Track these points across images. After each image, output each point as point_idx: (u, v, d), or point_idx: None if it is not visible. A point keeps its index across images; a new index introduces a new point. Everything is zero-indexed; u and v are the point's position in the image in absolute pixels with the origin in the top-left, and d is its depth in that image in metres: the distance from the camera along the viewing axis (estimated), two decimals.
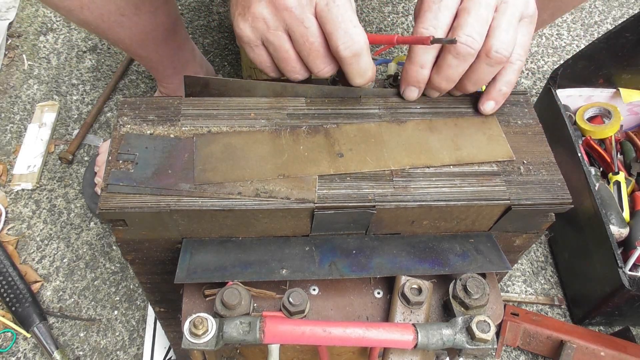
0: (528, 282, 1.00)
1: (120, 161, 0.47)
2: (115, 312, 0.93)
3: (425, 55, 0.49)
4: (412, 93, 0.53)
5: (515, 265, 1.00)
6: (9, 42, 1.28)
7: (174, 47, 0.90)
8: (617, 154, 1.02)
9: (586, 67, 1.01)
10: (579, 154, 0.92)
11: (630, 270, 0.84)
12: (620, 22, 0.99)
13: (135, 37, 0.82)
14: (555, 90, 1.01)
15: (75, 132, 1.13)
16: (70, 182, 1.07)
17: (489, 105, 0.52)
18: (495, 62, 0.48)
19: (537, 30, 1.19)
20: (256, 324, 0.42)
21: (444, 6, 0.48)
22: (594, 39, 1.04)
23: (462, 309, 0.46)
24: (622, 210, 0.95)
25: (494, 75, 0.51)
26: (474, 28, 0.47)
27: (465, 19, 0.47)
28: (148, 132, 0.49)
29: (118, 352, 0.89)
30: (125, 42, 0.83)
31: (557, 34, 1.41)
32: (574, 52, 1.06)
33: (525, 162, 0.51)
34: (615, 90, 1.06)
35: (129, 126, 0.50)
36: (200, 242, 0.49)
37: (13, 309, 0.88)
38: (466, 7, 0.47)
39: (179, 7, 1.37)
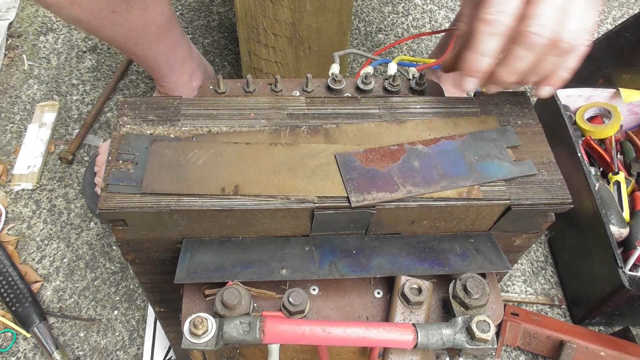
0: (528, 282, 1.00)
1: (120, 161, 0.47)
2: (115, 312, 0.93)
3: (490, 43, 0.45)
4: (471, 84, 0.49)
5: (515, 265, 1.00)
6: (9, 42, 1.28)
7: (169, 45, 0.90)
8: (617, 154, 1.02)
9: (586, 67, 1.01)
10: (579, 154, 0.92)
11: (630, 270, 0.84)
12: (620, 22, 0.99)
13: (129, 34, 0.82)
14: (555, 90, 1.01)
15: (75, 132, 1.13)
16: (70, 182, 1.07)
17: (546, 91, 0.49)
18: (564, 53, 0.45)
19: None
20: (256, 324, 0.42)
21: None
22: (594, 39, 1.04)
23: (462, 308, 0.46)
24: (622, 210, 0.95)
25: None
26: (548, 17, 0.43)
27: (537, 7, 0.43)
28: (148, 132, 0.49)
29: (118, 352, 0.89)
30: (119, 40, 0.83)
31: None
32: None
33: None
34: (615, 90, 1.06)
35: (129, 126, 0.50)
36: (200, 242, 0.49)
37: (13, 309, 0.88)
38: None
39: (179, 7, 1.37)
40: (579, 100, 1.08)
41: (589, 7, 0.45)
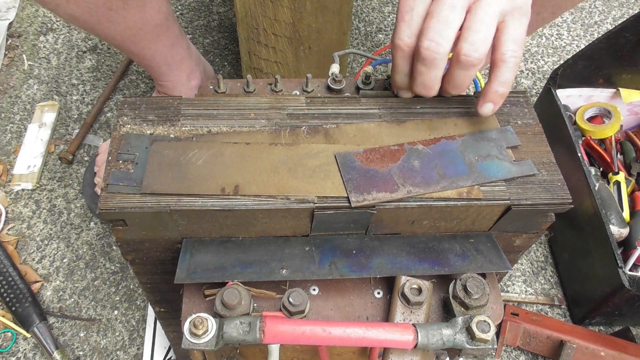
0: (528, 282, 1.00)
1: (120, 161, 0.47)
2: (115, 312, 0.93)
3: (399, 61, 0.50)
4: (405, 95, 0.54)
5: (515, 265, 1.00)
6: (9, 42, 1.28)
7: (167, 44, 0.90)
8: (617, 154, 1.02)
9: (586, 67, 1.01)
10: (579, 154, 0.92)
11: (630, 270, 0.84)
12: (620, 22, 0.99)
13: (126, 32, 0.82)
14: (555, 90, 1.01)
15: (75, 132, 1.13)
16: (70, 182, 1.07)
17: (486, 108, 0.50)
18: (467, 66, 0.47)
19: (538, 29, 1.19)
20: (256, 324, 0.42)
21: (416, 14, 0.47)
22: (594, 39, 1.04)
23: (462, 309, 0.46)
24: (622, 210, 0.95)
25: (490, 76, 0.50)
26: (436, 31, 0.45)
27: (427, 22, 0.46)
28: (148, 132, 0.49)
29: (118, 352, 0.89)
30: (116, 38, 0.83)
31: (557, 34, 1.41)
32: (574, 52, 1.06)
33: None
34: (615, 90, 1.06)
35: (129, 126, 0.50)
36: (200, 242, 0.49)
37: (13, 309, 0.88)
38: (430, 11, 0.46)
39: (179, 7, 1.37)
40: (579, 100, 1.08)
41: (493, 20, 0.46)
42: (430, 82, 0.49)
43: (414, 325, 0.43)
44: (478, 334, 0.42)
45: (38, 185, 1.06)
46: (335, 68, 0.58)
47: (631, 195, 0.98)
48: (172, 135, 0.49)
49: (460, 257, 0.49)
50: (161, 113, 0.51)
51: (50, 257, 0.98)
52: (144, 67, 0.98)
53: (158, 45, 0.89)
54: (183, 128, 0.50)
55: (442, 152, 0.50)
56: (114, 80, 1.20)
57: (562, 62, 1.10)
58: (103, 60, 1.26)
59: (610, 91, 1.07)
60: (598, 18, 1.46)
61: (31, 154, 1.09)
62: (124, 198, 0.45)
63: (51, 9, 0.76)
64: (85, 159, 1.10)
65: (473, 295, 0.45)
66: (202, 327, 0.41)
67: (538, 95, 1.18)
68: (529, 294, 0.99)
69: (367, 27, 1.37)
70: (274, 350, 0.44)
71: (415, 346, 0.42)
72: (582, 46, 1.36)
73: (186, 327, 0.41)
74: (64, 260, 0.97)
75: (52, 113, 1.15)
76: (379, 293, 0.49)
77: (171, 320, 0.66)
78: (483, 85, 0.53)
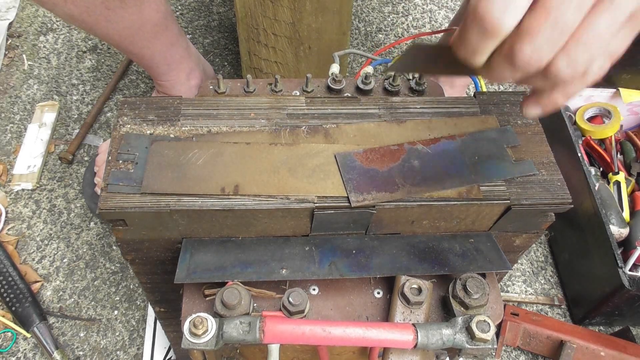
0: (528, 282, 1.00)
1: (120, 161, 0.47)
2: (115, 312, 0.93)
3: (483, 43, 0.35)
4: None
5: (515, 265, 1.00)
6: (9, 42, 1.28)
7: (166, 44, 0.90)
8: (617, 154, 1.02)
9: None
10: (579, 154, 0.92)
11: (630, 270, 0.84)
12: None
13: (124, 32, 0.82)
14: None
15: (75, 132, 1.13)
16: (70, 182, 1.07)
17: (534, 111, 0.40)
18: (551, 80, 0.36)
19: None
20: (256, 323, 0.42)
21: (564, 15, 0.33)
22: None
23: (462, 308, 0.46)
24: (622, 210, 0.95)
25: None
26: (547, 39, 0.33)
27: (539, 21, 0.33)
28: (148, 132, 0.49)
29: (118, 352, 0.89)
30: (115, 37, 0.83)
31: None
32: None
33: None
34: (615, 90, 1.06)
35: (129, 126, 0.50)
36: (200, 242, 0.49)
37: (13, 309, 0.88)
38: (547, 3, 0.32)
39: (179, 7, 1.37)
40: (579, 100, 1.08)
41: (613, 32, 0.34)
42: (508, 80, 0.38)
43: (413, 325, 0.43)
44: (478, 333, 0.42)
45: (38, 185, 1.06)
46: (335, 68, 0.58)
47: (631, 195, 0.98)
48: (172, 135, 0.49)
49: (460, 257, 0.49)
50: (161, 113, 0.51)
51: (50, 257, 0.98)
52: (143, 67, 0.98)
53: (157, 45, 0.89)
54: (183, 128, 0.50)
55: (442, 152, 0.50)
56: (114, 80, 1.20)
57: None
58: (103, 60, 1.26)
59: (610, 91, 1.07)
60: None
61: (31, 154, 1.09)
62: (124, 198, 0.45)
63: (49, 9, 0.76)
64: (85, 159, 1.10)
65: (473, 295, 0.45)
66: (202, 327, 0.41)
67: None
68: (529, 294, 0.99)
69: (367, 27, 1.37)
70: (274, 350, 0.44)
71: (415, 346, 0.42)
72: None
73: (186, 327, 0.41)
74: (64, 260, 0.97)
75: (52, 113, 1.15)
76: (378, 293, 0.49)
77: (171, 320, 0.66)
78: (483, 85, 0.53)
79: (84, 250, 0.99)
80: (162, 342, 0.88)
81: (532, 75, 0.36)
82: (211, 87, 0.56)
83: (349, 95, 0.56)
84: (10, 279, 0.90)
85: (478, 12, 0.33)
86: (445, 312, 0.48)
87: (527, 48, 0.33)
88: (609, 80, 1.05)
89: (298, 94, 0.56)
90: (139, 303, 0.94)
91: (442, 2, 1.43)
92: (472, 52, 0.36)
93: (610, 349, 0.85)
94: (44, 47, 1.28)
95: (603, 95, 1.07)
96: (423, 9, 1.42)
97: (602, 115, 1.08)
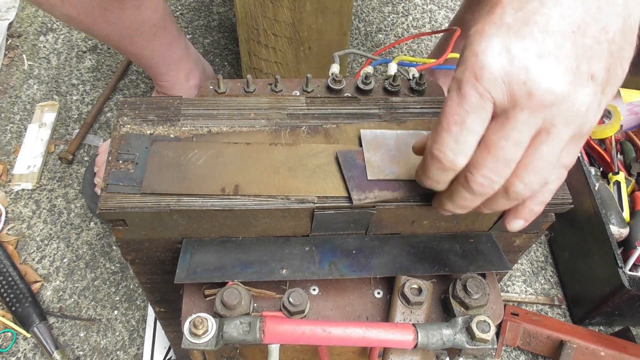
0: (528, 282, 1.00)
1: (120, 161, 0.47)
2: (115, 312, 0.93)
3: (435, 173, 0.40)
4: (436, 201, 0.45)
5: (515, 265, 1.00)
6: (9, 42, 1.28)
7: (165, 44, 0.90)
8: (617, 154, 1.02)
9: None
10: (579, 154, 0.92)
11: (630, 270, 0.84)
12: None
13: (122, 32, 0.82)
14: None
15: (75, 132, 1.13)
16: (70, 182, 1.07)
17: (516, 224, 0.43)
18: (514, 200, 0.40)
19: None
20: (256, 324, 0.42)
21: (467, 131, 0.37)
22: None
23: (462, 308, 0.46)
24: (622, 210, 0.95)
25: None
26: (494, 171, 0.37)
27: (484, 156, 0.37)
28: (148, 132, 0.49)
29: (118, 352, 0.89)
30: (113, 38, 0.83)
31: None
32: None
33: None
34: None
35: (129, 126, 0.50)
36: (200, 242, 0.49)
37: (13, 309, 0.88)
38: (489, 142, 0.37)
39: (179, 7, 1.37)
40: None
41: (556, 157, 0.38)
42: (471, 207, 0.42)
43: (414, 325, 0.43)
44: (478, 334, 0.42)
45: (38, 185, 1.06)
46: (335, 68, 0.58)
47: (631, 195, 0.98)
48: (172, 135, 0.49)
49: (460, 257, 0.49)
50: (161, 113, 0.51)
51: (50, 257, 0.98)
52: (142, 67, 0.98)
53: (155, 45, 0.89)
54: (183, 128, 0.50)
55: None
56: (114, 80, 1.20)
57: None
58: (103, 60, 1.26)
59: None
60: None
61: (31, 154, 1.09)
62: (124, 198, 0.45)
63: (46, 10, 0.76)
64: (85, 159, 1.10)
65: (473, 295, 0.45)
66: (202, 327, 0.41)
67: None
68: (529, 294, 0.99)
69: (367, 27, 1.37)
70: (274, 350, 0.44)
71: (415, 346, 0.42)
72: None
73: (186, 327, 0.41)
74: (64, 260, 0.97)
75: (52, 113, 1.15)
76: (379, 293, 0.49)
77: (171, 320, 0.66)
78: None
79: (84, 250, 0.99)
80: (162, 342, 0.88)
81: (495, 199, 0.40)
82: (211, 87, 0.56)
83: (349, 95, 0.56)
84: (10, 279, 0.90)
85: (434, 154, 0.39)
86: (445, 312, 0.48)
87: (478, 177, 0.38)
88: None
89: (298, 94, 0.56)
90: (139, 303, 0.94)
91: (442, 2, 1.43)
92: (435, 182, 0.41)
93: (610, 349, 0.85)
94: (44, 47, 1.28)
95: None
96: (423, 9, 1.42)
97: (602, 115, 1.07)
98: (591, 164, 1.03)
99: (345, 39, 0.99)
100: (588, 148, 1.05)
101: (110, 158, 0.47)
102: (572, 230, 0.96)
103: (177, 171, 0.46)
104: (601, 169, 1.03)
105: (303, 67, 1.04)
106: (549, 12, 0.35)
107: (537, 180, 0.38)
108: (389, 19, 1.39)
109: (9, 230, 1.00)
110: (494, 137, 0.37)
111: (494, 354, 0.89)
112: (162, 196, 0.45)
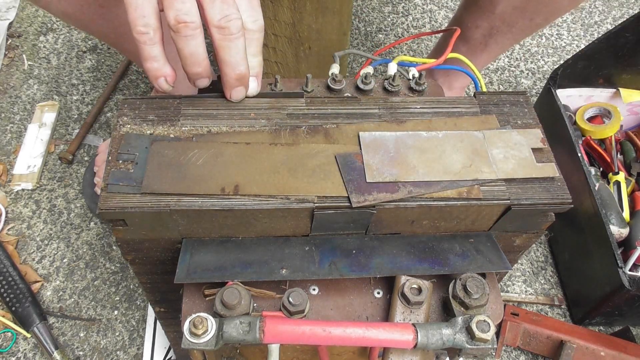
0: (528, 282, 1.00)
1: (120, 161, 0.47)
2: (115, 312, 0.93)
3: (149, 49, 0.51)
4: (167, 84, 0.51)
5: (515, 265, 1.00)
6: (9, 42, 1.28)
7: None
8: (617, 154, 1.02)
9: (586, 67, 1.01)
10: (579, 154, 0.92)
11: (630, 270, 0.84)
12: (620, 22, 0.99)
13: (119, 29, 0.82)
14: (555, 90, 1.01)
15: (75, 132, 1.13)
16: (70, 182, 1.07)
17: (235, 94, 0.50)
18: (224, 28, 0.48)
19: (532, 34, 1.19)
20: (256, 323, 0.42)
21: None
22: (594, 39, 1.04)
23: (462, 308, 0.46)
24: (622, 210, 0.95)
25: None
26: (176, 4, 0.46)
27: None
28: (148, 132, 0.49)
29: (118, 352, 0.89)
30: (110, 35, 0.83)
31: (557, 34, 1.41)
32: (574, 52, 1.06)
33: None
34: (615, 90, 1.06)
35: (129, 126, 0.50)
36: (200, 242, 0.49)
37: (13, 309, 0.88)
38: None
39: None
40: (579, 100, 1.08)
41: None
42: (196, 52, 0.49)
43: (413, 325, 0.43)
44: (478, 333, 0.42)
45: (38, 185, 1.06)
46: (335, 68, 0.58)
47: (631, 195, 0.98)
48: (172, 135, 0.49)
49: (460, 257, 0.49)
50: (161, 113, 0.51)
51: (50, 257, 0.98)
52: (140, 65, 0.97)
53: None
54: (183, 128, 0.50)
55: None
56: (114, 80, 1.20)
57: (562, 62, 1.10)
58: (103, 60, 1.26)
59: (610, 91, 1.07)
60: (598, 18, 1.46)
61: (31, 154, 1.09)
62: (124, 198, 0.45)
63: (43, 7, 0.76)
64: (85, 159, 1.10)
65: (473, 295, 0.45)
66: (202, 327, 0.41)
67: (538, 95, 1.18)
68: (529, 294, 0.99)
69: (367, 27, 1.37)
70: (274, 350, 0.44)
71: (415, 346, 0.42)
72: (582, 46, 1.36)
73: (186, 327, 0.41)
74: (64, 260, 0.97)
75: (52, 113, 1.15)
76: (378, 293, 0.49)
77: (171, 320, 0.66)
78: (483, 85, 0.53)
79: (84, 250, 0.99)
80: (162, 342, 0.88)
81: (216, 40, 0.50)
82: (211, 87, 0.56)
83: (349, 95, 0.56)
84: (10, 279, 0.90)
85: (135, 37, 0.49)
86: (445, 312, 0.48)
87: (171, 20, 0.48)
88: (609, 80, 1.05)
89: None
90: (139, 303, 0.94)
91: (442, 2, 1.43)
92: (152, 59, 0.51)
93: (610, 349, 0.85)
94: (44, 47, 1.28)
95: (603, 95, 1.07)
96: (423, 9, 1.42)
97: (602, 115, 1.08)
98: (591, 164, 1.03)
99: (345, 39, 0.99)
100: (588, 148, 1.05)
101: (110, 158, 0.47)
102: (572, 230, 0.96)
103: (177, 171, 0.46)
104: (601, 169, 1.03)
105: (303, 67, 1.04)
106: None
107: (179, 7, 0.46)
108: (389, 19, 1.39)
109: (9, 230, 1.00)
110: None
111: (494, 353, 0.89)
112: (162, 196, 0.45)
